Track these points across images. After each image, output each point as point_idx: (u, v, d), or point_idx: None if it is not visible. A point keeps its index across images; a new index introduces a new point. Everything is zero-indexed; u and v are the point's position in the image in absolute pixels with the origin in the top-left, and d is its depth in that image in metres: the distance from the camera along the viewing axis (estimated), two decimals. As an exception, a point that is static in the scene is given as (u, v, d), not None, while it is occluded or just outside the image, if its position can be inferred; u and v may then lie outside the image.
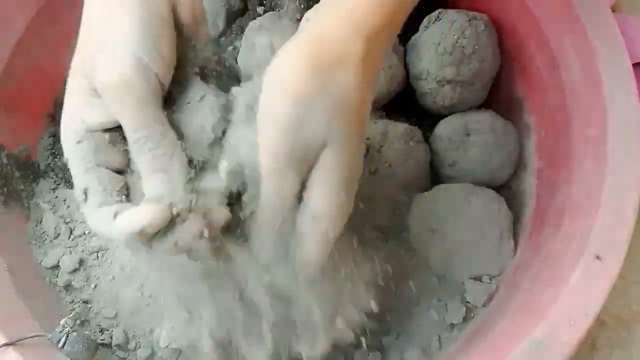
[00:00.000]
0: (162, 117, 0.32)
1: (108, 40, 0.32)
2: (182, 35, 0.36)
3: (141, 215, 0.30)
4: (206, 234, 0.32)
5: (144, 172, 0.33)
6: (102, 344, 0.47)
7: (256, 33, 0.56)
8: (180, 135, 0.34)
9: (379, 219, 0.52)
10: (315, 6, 0.33)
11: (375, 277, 0.49)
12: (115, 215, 0.32)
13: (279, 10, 0.61)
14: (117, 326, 0.47)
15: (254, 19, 0.58)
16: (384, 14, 0.30)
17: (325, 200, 0.31)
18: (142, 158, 0.32)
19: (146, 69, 0.31)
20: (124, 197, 0.34)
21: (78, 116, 0.33)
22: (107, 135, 0.34)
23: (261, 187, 0.31)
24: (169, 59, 0.33)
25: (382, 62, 0.33)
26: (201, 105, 0.35)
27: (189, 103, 0.35)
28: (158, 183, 0.32)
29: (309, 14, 0.35)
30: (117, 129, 0.34)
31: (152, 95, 0.32)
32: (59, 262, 0.50)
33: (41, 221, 0.52)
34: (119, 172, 0.35)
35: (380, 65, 0.33)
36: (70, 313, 0.43)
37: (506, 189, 0.56)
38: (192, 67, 0.37)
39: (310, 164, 0.30)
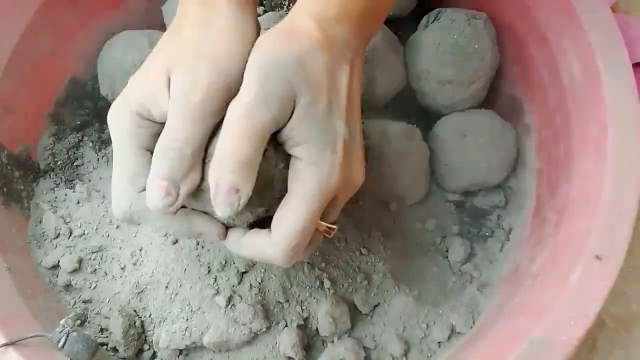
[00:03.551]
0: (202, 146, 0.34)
1: (217, 56, 0.35)
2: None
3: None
4: None
5: None
6: (102, 344, 0.47)
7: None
8: None
9: (379, 219, 0.52)
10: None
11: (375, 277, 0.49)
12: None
13: (278, 10, 0.61)
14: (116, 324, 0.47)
15: (254, 19, 0.58)
16: (338, 7, 0.35)
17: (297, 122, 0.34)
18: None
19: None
20: None
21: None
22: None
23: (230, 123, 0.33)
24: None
25: (353, 47, 0.36)
26: None
27: None
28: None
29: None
30: None
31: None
32: (59, 262, 0.50)
33: (41, 221, 0.52)
34: None
35: (351, 51, 0.36)
36: (70, 313, 0.43)
37: (506, 188, 0.56)
38: None
39: (287, 108, 0.33)
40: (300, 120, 0.33)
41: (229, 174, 0.32)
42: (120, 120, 0.35)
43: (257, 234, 0.35)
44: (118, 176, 0.36)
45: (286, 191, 0.34)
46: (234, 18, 0.36)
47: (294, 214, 0.33)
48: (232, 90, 0.34)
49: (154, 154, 0.34)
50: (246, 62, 0.34)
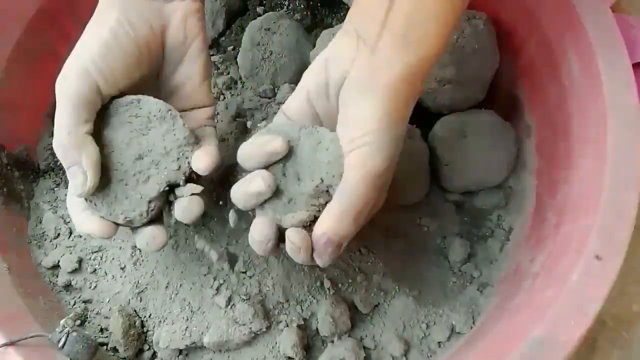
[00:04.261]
0: (85, 127, 0.37)
1: (76, 49, 0.38)
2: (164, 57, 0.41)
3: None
4: None
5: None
6: (102, 344, 0.47)
7: (257, 34, 0.56)
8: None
9: (379, 219, 0.52)
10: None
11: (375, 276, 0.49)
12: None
13: (278, 10, 0.61)
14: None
15: (254, 19, 0.58)
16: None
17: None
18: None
19: (90, 79, 0.37)
20: None
21: None
22: None
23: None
24: (121, 78, 0.38)
25: None
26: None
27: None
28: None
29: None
30: None
31: (86, 101, 0.37)
32: (59, 262, 0.50)
33: (41, 221, 0.52)
34: None
35: None
36: (70, 313, 0.43)
37: (506, 188, 0.56)
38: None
39: None
40: None
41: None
42: None
43: None
44: None
45: None
46: (103, 6, 0.39)
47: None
48: (93, 78, 0.37)
49: None
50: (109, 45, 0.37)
